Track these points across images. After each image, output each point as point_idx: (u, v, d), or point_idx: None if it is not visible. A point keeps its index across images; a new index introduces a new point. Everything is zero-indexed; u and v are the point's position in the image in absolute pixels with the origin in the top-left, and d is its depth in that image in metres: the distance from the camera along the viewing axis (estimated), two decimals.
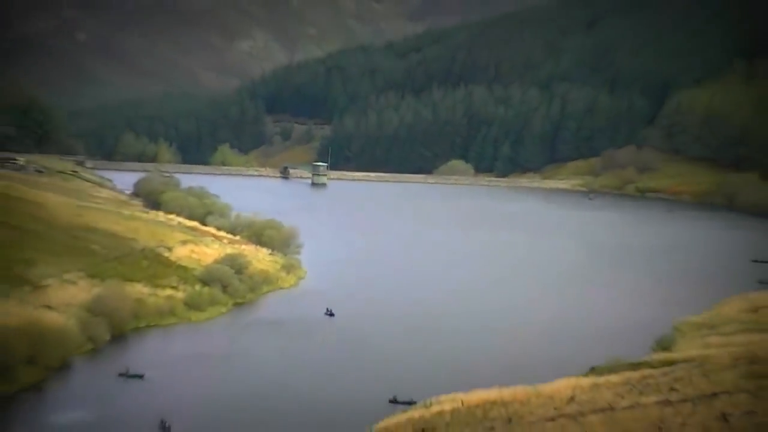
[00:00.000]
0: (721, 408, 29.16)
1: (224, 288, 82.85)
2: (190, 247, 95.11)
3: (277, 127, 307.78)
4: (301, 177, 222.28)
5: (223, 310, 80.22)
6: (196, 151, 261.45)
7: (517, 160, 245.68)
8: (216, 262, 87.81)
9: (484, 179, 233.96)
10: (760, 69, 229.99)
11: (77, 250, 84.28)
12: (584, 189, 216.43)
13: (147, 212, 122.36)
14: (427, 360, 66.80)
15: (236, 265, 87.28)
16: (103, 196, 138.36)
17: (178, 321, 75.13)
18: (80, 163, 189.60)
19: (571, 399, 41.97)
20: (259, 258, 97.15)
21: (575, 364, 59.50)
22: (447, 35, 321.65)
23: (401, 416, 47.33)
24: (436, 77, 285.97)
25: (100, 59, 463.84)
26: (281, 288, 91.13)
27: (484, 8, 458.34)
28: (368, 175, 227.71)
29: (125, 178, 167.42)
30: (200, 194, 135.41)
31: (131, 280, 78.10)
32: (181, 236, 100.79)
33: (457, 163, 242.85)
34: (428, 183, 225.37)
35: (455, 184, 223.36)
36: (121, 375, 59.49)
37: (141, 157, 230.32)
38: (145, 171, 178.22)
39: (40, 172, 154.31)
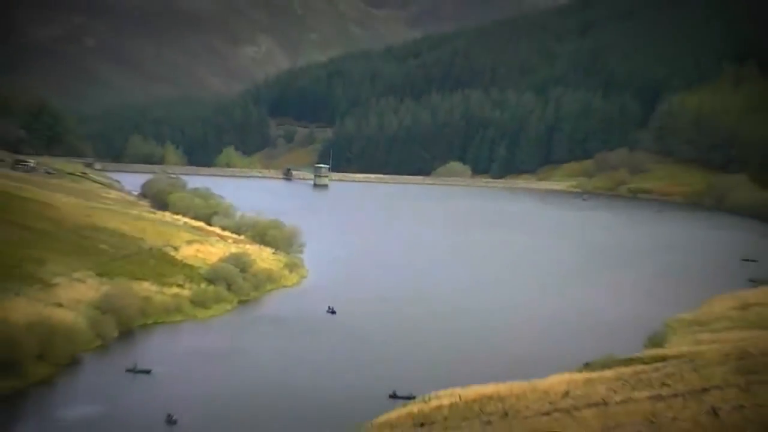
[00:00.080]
0: (711, 402, 29.10)
1: (229, 286, 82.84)
2: (195, 246, 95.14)
3: (280, 130, 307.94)
4: (303, 178, 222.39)
5: (228, 307, 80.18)
6: (201, 154, 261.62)
7: (513, 162, 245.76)
8: (221, 261, 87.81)
9: (481, 180, 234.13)
10: (748, 73, 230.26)
11: (86, 250, 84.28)
12: (578, 190, 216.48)
13: (154, 213, 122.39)
14: (425, 356, 66.77)
15: (240, 264, 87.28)
16: (112, 197, 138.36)
17: (185, 318, 75.12)
18: (89, 165, 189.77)
19: (566, 394, 41.92)
20: (263, 257, 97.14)
21: (570, 360, 59.46)
22: (445, 41, 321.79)
23: (401, 410, 47.29)
24: (434, 81, 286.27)
25: (109, 64, 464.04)
26: (284, 286, 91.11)
27: (481, 15, 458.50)
28: (369, 177, 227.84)
29: (133, 180, 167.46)
30: (206, 195, 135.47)
31: (139, 279, 78.09)
32: (187, 236, 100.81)
33: (455, 165, 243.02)
34: (427, 184, 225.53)
35: (453, 185, 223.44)
36: (128, 370, 59.44)
37: (148, 159, 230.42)
38: (152, 173, 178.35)
39: (50, 173, 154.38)
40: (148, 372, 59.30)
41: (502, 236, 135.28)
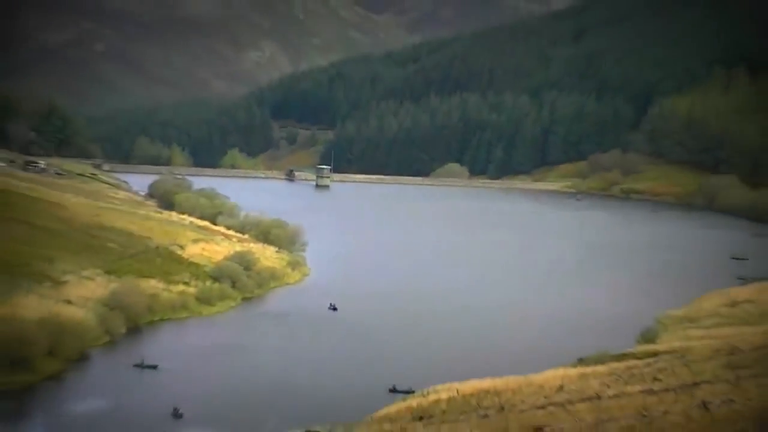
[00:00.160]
0: (701, 396, 29.07)
1: (233, 284, 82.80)
2: (201, 245, 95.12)
3: (283, 132, 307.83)
4: (305, 179, 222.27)
5: (233, 304, 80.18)
6: (207, 155, 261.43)
7: (510, 163, 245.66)
8: (226, 259, 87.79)
9: (479, 181, 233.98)
10: (737, 77, 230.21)
11: (95, 248, 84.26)
12: (572, 190, 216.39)
13: (161, 212, 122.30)
14: (424, 351, 66.77)
15: (245, 262, 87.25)
16: (120, 198, 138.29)
17: (190, 315, 75.13)
18: (98, 166, 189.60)
19: (561, 388, 41.92)
20: (266, 255, 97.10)
21: (564, 356, 59.48)
22: (443, 46, 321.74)
23: (400, 404, 47.28)
24: (433, 85, 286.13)
25: (117, 68, 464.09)
26: (287, 284, 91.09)
27: (478, 20, 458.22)
28: (369, 178, 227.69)
29: (140, 181, 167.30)
30: (211, 195, 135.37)
31: (146, 277, 78.07)
32: (192, 235, 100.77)
33: (453, 166, 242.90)
34: (426, 185, 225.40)
35: (451, 185, 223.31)
36: (136, 366, 59.44)
37: (155, 161, 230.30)
38: (159, 174, 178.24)
39: (60, 174, 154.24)
40: (154, 367, 59.29)
41: (499, 235, 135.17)
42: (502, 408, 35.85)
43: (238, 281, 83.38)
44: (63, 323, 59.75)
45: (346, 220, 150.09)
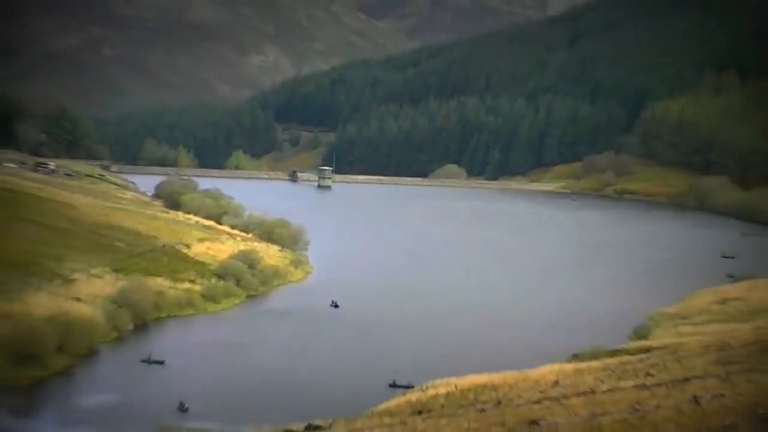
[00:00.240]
0: (692, 391, 29.05)
1: (238, 281, 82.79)
2: (206, 244, 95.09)
3: (286, 135, 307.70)
4: (308, 180, 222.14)
5: (237, 301, 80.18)
6: (212, 157, 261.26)
7: (506, 165, 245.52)
8: (230, 257, 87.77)
9: (476, 182, 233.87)
10: (727, 81, 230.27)
11: (103, 247, 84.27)
12: (567, 191, 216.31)
13: (167, 212, 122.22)
14: (423, 348, 66.77)
15: (249, 260, 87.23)
16: (127, 198, 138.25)
17: (196, 312, 75.13)
18: (106, 168, 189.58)
19: (556, 383, 41.89)
20: (270, 254, 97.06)
21: (559, 352, 59.49)
22: (442, 51, 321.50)
23: (400, 399, 47.27)
24: (432, 89, 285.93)
25: (125, 72, 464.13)
26: (290, 282, 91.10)
27: (476, 26, 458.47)
28: (370, 179, 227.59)
29: (147, 181, 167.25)
30: (216, 196, 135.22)
31: (153, 275, 78.06)
32: (198, 234, 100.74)
33: (451, 167, 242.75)
34: (425, 185, 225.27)
35: (449, 186, 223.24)
36: (143, 361, 59.43)
37: (162, 162, 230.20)
38: (165, 175, 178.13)
39: (69, 175, 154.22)
40: (161, 363, 59.29)
41: (497, 234, 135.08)
42: (499, 402, 35.83)
43: (243, 279, 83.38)
44: (72, 320, 59.75)
45: (348, 220, 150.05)
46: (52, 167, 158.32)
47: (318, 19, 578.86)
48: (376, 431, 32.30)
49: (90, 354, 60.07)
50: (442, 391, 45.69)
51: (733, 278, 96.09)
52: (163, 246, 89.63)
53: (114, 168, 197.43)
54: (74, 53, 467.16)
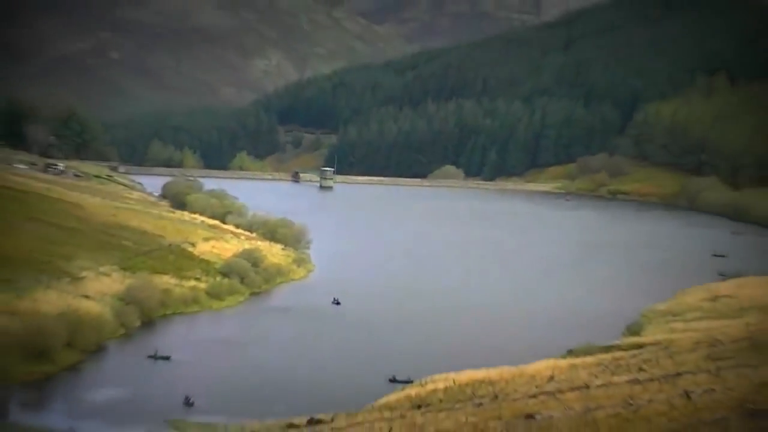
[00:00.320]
0: (684, 386, 29.06)
1: (242, 279, 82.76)
2: (211, 243, 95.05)
3: (288, 137, 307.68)
4: (310, 181, 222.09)
5: (241, 299, 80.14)
6: (217, 158, 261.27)
7: (503, 166, 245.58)
8: (235, 256, 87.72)
9: (473, 182, 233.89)
10: (718, 85, 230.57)
11: (111, 246, 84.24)
12: (562, 191, 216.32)
13: (173, 212, 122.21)
14: (422, 344, 66.72)
15: (252, 259, 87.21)
16: (135, 198, 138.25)
17: (201, 309, 75.09)
18: (114, 169, 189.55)
19: (551, 378, 41.91)
20: (273, 253, 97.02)
21: (554, 348, 59.49)
22: (440, 55, 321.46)
23: (400, 393, 47.26)
24: (430, 92, 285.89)
25: (132, 76, 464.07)
26: (293, 279, 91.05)
27: (473, 31, 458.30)
28: (370, 179, 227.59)
29: (154, 182, 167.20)
30: (221, 196, 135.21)
31: (159, 273, 78.02)
32: (203, 233, 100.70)
33: (450, 168, 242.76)
34: (424, 186, 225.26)
35: (448, 187, 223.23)
36: (150, 357, 59.40)
37: (168, 163, 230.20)
38: (171, 175, 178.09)
39: (78, 176, 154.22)
40: (167, 358, 59.26)
41: (493, 233, 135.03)
42: (495, 397, 35.84)
43: (247, 277, 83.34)
44: (81, 317, 59.74)
45: (349, 220, 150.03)
46: (62, 168, 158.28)
47: (320, 24, 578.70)
48: (377, 425, 32.30)
49: (98, 350, 60.05)
50: (441, 386, 45.70)
51: (724, 276, 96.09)
52: (170, 245, 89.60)
53: (121, 169, 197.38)
54: (83, 57, 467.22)
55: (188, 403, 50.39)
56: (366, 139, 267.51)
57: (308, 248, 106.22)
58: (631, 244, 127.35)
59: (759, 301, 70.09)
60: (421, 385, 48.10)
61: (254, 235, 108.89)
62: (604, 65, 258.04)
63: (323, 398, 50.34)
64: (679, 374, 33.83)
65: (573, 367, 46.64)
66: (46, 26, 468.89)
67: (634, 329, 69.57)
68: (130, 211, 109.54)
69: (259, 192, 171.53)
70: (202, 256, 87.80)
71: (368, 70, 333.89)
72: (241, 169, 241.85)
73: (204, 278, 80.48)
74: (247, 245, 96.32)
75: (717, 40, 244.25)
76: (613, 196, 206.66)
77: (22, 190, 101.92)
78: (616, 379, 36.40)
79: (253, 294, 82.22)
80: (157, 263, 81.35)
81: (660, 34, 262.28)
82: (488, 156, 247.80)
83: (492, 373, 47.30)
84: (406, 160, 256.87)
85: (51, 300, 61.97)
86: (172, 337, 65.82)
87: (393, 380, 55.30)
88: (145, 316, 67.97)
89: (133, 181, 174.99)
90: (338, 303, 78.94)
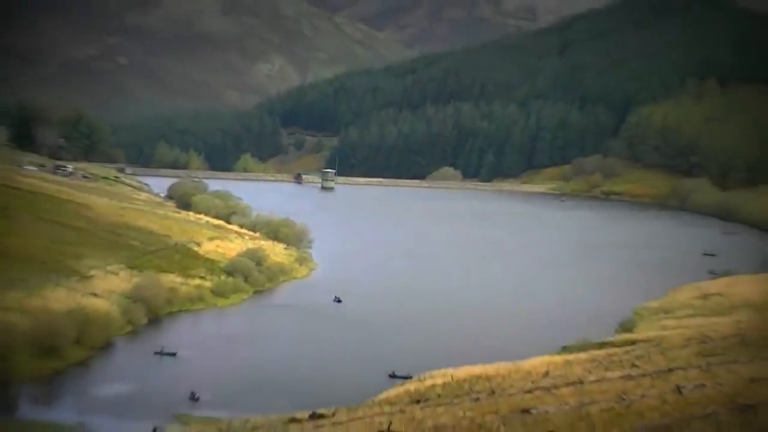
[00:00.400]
0: (675, 381, 29.06)
1: (246, 278, 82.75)
2: (216, 242, 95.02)
3: (291, 139, 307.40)
4: (312, 182, 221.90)
5: (245, 296, 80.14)
6: (221, 160, 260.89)
7: (500, 167, 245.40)
8: (239, 255, 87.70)
9: (471, 184, 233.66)
10: (708, 89, 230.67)
11: (119, 245, 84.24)
12: (557, 192, 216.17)
13: (179, 212, 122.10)
14: (421, 340, 66.73)
15: (256, 258, 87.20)
16: (142, 199, 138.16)
17: (206, 306, 75.08)
18: (121, 170, 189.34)
19: (546, 374, 41.89)
20: (276, 252, 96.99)
21: (550, 344, 59.48)
22: (439, 60, 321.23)
23: (399, 389, 47.26)
24: (429, 96, 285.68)
25: (139, 80, 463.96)
26: (295, 278, 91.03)
27: (470, 37, 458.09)
28: (370, 180, 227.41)
29: (160, 183, 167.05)
30: (225, 197, 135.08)
31: (165, 271, 78.02)
32: (208, 233, 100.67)
33: (448, 170, 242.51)
34: (422, 187, 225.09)
35: (446, 188, 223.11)
36: (156, 353, 59.39)
37: (174, 165, 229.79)
38: (177, 177, 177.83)
39: (86, 177, 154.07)
40: (173, 354, 59.26)
41: (491, 232, 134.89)
42: (492, 392, 35.82)
43: (250, 276, 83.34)
44: (89, 314, 59.74)
45: (350, 220, 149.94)
46: (71, 170, 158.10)
47: (321, 30, 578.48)
48: (377, 419, 32.28)
49: (106, 346, 60.05)
50: (439, 381, 45.68)
51: (714, 275, 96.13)
52: (175, 244, 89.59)
53: (129, 170, 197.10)
54: (91, 62, 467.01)
55: (194, 398, 50.39)
56: (366, 141, 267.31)
57: (310, 247, 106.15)
58: (625, 243, 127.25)
59: (748, 299, 70.10)
60: (420, 381, 48.09)
61: (258, 234, 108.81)
62: (598, 70, 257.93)
63: (325, 393, 50.33)
64: (670, 370, 33.83)
65: (568, 363, 46.63)
66: (56, 32, 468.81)
67: (627, 326, 69.59)
68: (137, 212, 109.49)
69: (263, 193, 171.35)
70: (207, 256, 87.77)
71: (368, 74, 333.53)
72: (245, 170, 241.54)
73: (209, 277, 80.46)
74: (250, 245, 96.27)
75: (707, 45, 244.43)
76: (607, 197, 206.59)
77: (32, 191, 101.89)
78: (609, 374, 36.39)
79: (256, 292, 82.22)
80: (163, 262, 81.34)
81: (652, 40, 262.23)
82: (485, 158, 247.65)
83: (489, 369, 47.27)
84: (405, 162, 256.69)
85: (60, 298, 62.00)
86: (177, 334, 65.83)
87: (393, 376, 55.32)
88: (151, 314, 67.97)
89: (140, 182, 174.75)
90: (339, 301, 78.95)
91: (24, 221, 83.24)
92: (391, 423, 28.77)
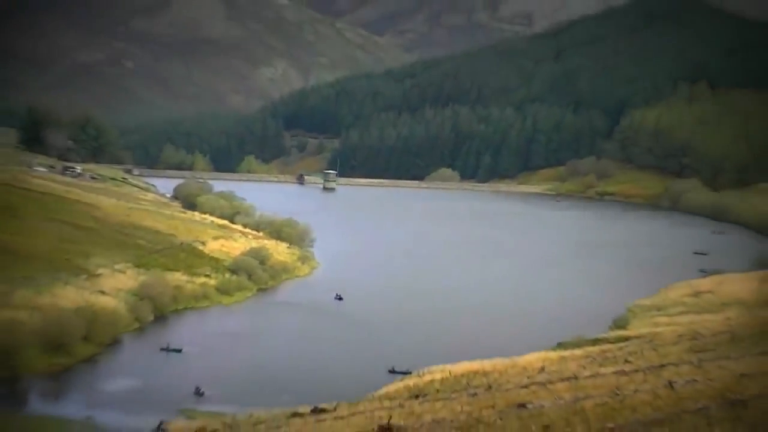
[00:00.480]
0: (667, 377, 29.03)
1: (249, 276, 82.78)
2: (220, 241, 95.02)
3: (294, 141, 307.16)
4: (314, 183, 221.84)
5: (249, 294, 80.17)
6: (225, 161, 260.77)
7: (496, 169, 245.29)
8: (242, 254, 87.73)
9: (469, 184, 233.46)
10: (699, 92, 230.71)
11: (126, 245, 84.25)
12: (552, 192, 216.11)
13: (184, 212, 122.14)
14: (420, 337, 66.71)
15: (259, 256, 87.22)
16: (148, 199, 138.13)
17: (211, 304, 75.11)
18: (128, 171, 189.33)
19: (542, 369, 41.85)
20: (279, 251, 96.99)
21: (545, 341, 59.46)
22: (437, 64, 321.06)
23: (399, 384, 47.21)
24: (428, 99, 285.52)
25: (146, 84, 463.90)
26: (297, 276, 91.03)
27: (468, 42, 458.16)
28: (371, 181, 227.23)
29: (166, 184, 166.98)
30: (229, 197, 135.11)
31: (171, 270, 78.03)
32: (213, 233, 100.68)
33: (446, 171, 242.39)
34: (421, 188, 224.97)
35: (444, 188, 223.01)
36: (162, 349, 59.41)
37: (180, 167, 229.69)
38: (183, 178, 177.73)
39: (94, 178, 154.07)
40: (179, 351, 59.26)
41: (488, 231, 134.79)
42: (489, 387, 35.79)
43: (254, 274, 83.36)
44: (97, 311, 59.76)
45: (351, 219, 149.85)
46: (79, 171, 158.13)
47: (323, 35, 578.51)
48: (377, 414, 32.25)
49: (113, 343, 60.08)
50: (438, 376, 45.64)
51: (705, 273, 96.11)
52: (181, 243, 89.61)
53: (135, 172, 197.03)
54: (99, 66, 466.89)
55: (199, 393, 50.39)
56: (367, 143, 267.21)
57: (312, 246, 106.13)
58: (618, 242, 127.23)
59: (738, 297, 70.05)
60: (419, 376, 48.06)
61: (261, 234, 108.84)
62: (592, 74, 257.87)
63: (326, 388, 50.30)
64: (663, 366, 33.79)
65: (563, 359, 46.60)
66: (65, 37, 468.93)
67: (620, 323, 69.57)
68: (144, 212, 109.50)
69: (266, 193, 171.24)
70: (211, 254, 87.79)
71: (369, 78, 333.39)
72: (248, 171, 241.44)
73: (214, 275, 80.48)
74: (254, 244, 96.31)
75: (698, 50, 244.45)
76: (601, 197, 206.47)
77: (42, 191, 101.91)
78: (603, 370, 36.34)
79: (260, 290, 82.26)
80: (169, 261, 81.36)
81: (645, 45, 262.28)
82: (482, 159, 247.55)
83: (486, 364, 47.22)
84: (404, 164, 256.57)
85: (69, 296, 62.03)
86: (183, 331, 65.82)
87: (392, 371, 55.30)
88: (157, 311, 68.01)
89: (147, 183, 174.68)
90: (341, 298, 78.93)
91: (34, 221, 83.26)
92: (390, 417, 28.74)
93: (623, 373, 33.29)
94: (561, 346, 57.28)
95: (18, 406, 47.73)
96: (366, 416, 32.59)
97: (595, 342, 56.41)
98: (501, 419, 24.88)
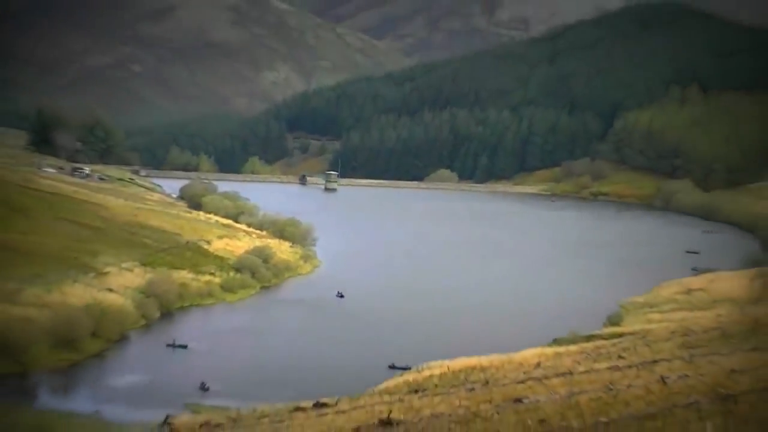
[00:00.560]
0: (660, 372, 29.04)
1: (253, 274, 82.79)
2: (225, 240, 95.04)
3: (296, 143, 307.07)
4: (316, 183, 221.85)
5: (253, 292, 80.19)
6: (230, 163, 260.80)
7: (493, 170, 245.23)
8: (246, 253, 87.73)
9: (466, 185, 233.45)
10: (691, 95, 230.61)
11: (133, 244, 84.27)
12: (548, 193, 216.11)
13: (190, 212, 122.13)
14: (419, 333, 66.69)
15: (263, 255, 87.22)
16: (154, 199, 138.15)
17: (216, 301, 75.16)
18: (135, 172, 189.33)
19: (538, 365, 41.86)
20: (282, 250, 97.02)
21: (541, 337, 59.44)
22: (436, 68, 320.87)
23: (398, 379, 47.23)
24: (427, 102, 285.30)
25: (152, 87, 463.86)
26: (300, 274, 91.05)
27: (466, 46, 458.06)
28: (371, 182, 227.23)
29: (172, 185, 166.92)
30: (234, 197, 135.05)
31: (177, 268, 78.06)
32: (218, 232, 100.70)
33: (444, 172, 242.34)
34: (420, 188, 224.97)
35: (442, 189, 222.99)
36: (168, 345, 59.43)
37: (185, 168, 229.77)
38: (188, 179, 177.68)
39: (102, 179, 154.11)
40: (184, 347, 59.28)
41: (486, 231, 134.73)
42: (486, 382, 35.79)
43: (258, 272, 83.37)
44: (105, 309, 59.80)
45: (352, 219, 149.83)
46: (87, 172, 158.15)
47: (325, 40, 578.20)
48: (377, 408, 32.25)
49: (121, 339, 60.11)
50: (436, 372, 45.63)
51: (697, 271, 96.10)
52: (187, 242, 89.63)
53: (142, 173, 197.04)
54: (106, 70, 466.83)
55: (204, 388, 50.41)
56: (367, 145, 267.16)
57: (314, 245, 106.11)
58: (611, 241, 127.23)
59: (729, 294, 70.04)
60: (418, 372, 48.05)
61: (264, 233, 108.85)
62: (587, 77, 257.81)
63: (328, 383, 50.35)
64: (655, 361, 33.80)
65: (558, 355, 46.60)
66: (73, 42, 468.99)
67: (614, 320, 69.57)
68: (151, 212, 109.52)
69: (269, 194, 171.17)
70: (216, 253, 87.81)
71: (369, 81, 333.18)
72: (252, 172, 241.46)
73: (218, 273, 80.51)
74: (258, 243, 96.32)
75: (691, 54, 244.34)
76: (595, 198, 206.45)
77: (51, 192, 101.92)
78: (597, 365, 36.35)
79: (263, 288, 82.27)
80: (175, 259, 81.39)
81: (638, 49, 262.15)
82: (480, 161, 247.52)
83: (483, 360, 47.23)
84: (404, 165, 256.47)
85: (78, 293, 62.06)
86: (189, 328, 65.86)
87: (392, 367, 55.31)
88: (164, 308, 68.04)
89: (153, 183, 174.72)
90: (342, 296, 78.94)
91: (43, 221, 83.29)
92: (390, 411, 28.75)
93: (617, 368, 33.30)
94: (556, 342, 57.27)
95: (28, 400, 47.76)
96: (366, 410, 32.59)
97: (590, 338, 56.40)
98: (498, 413, 24.89)
